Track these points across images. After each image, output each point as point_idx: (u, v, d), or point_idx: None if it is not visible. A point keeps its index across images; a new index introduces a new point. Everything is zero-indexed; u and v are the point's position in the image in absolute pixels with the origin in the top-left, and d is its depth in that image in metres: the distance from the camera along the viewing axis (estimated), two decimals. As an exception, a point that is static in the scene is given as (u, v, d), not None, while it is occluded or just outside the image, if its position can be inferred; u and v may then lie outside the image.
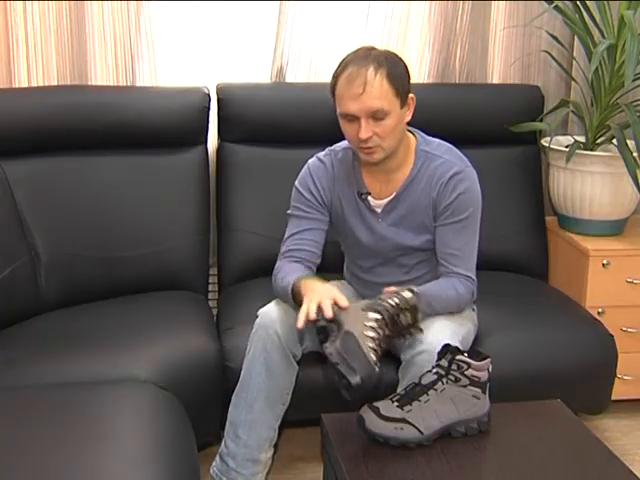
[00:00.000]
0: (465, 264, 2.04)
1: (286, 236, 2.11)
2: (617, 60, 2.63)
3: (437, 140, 2.09)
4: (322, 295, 1.81)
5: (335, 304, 1.80)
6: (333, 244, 2.24)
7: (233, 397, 2.05)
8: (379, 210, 2.08)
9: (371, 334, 1.75)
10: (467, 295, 2.05)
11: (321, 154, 2.14)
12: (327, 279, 2.00)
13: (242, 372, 2.03)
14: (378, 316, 1.78)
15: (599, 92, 2.71)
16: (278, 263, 2.08)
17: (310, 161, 2.14)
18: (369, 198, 2.08)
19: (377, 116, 1.91)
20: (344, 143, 2.11)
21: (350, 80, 1.90)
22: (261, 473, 2.06)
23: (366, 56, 1.92)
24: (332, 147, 2.14)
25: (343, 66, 1.94)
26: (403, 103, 1.95)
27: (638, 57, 2.37)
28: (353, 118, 1.92)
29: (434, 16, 2.82)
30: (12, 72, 2.56)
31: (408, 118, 2.00)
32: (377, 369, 1.71)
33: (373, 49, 1.96)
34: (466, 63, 2.88)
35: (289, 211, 2.12)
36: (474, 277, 2.06)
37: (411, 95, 1.98)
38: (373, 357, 1.72)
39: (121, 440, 1.63)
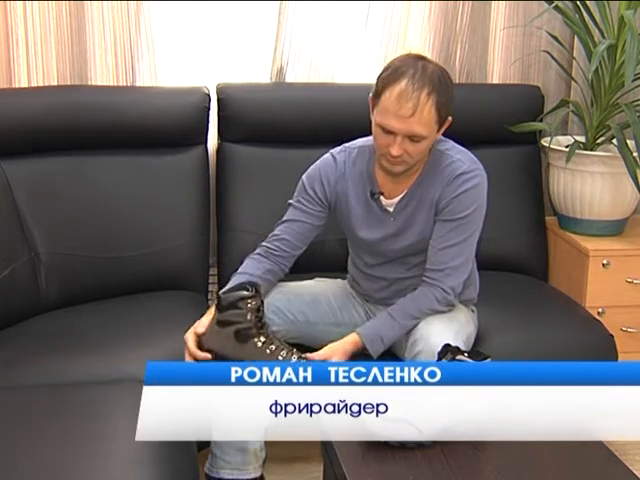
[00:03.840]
0: (451, 261, 2.01)
1: (280, 221, 2.12)
2: (617, 60, 2.63)
3: (452, 142, 2.08)
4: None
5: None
6: (337, 242, 2.24)
7: None
8: (391, 209, 2.08)
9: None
10: (441, 301, 2.02)
11: (335, 150, 2.13)
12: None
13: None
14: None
15: (599, 92, 2.71)
16: (258, 249, 2.10)
17: (323, 157, 2.13)
18: (381, 198, 2.08)
19: (414, 139, 1.91)
20: (359, 141, 2.12)
21: (401, 98, 1.88)
22: (252, 465, 2.01)
23: (422, 74, 1.89)
24: (348, 144, 2.13)
25: (395, 76, 1.90)
26: (440, 127, 1.96)
27: (638, 57, 2.37)
28: (390, 132, 1.91)
29: (434, 16, 2.81)
30: (12, 72, 2.55)
31: (438, 136, 2.00)
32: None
33: (428, 62, 1.93)
34: (466, 63, 2.88)
35: (290, 200, 2.13)
36: (457, 276, 2.03)
37: (449, 118, 1.97)
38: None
39: (121, 440, 1.63)
